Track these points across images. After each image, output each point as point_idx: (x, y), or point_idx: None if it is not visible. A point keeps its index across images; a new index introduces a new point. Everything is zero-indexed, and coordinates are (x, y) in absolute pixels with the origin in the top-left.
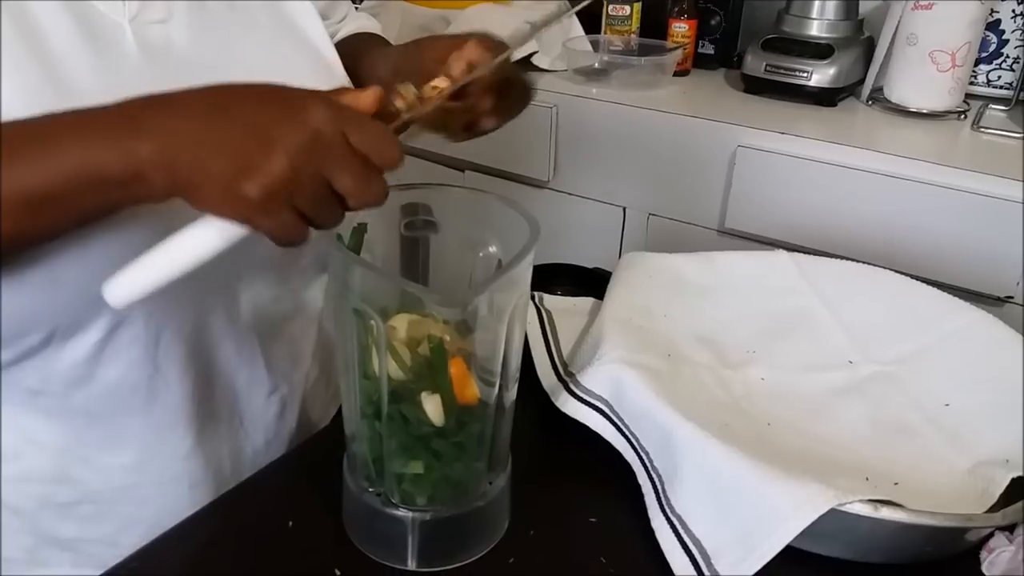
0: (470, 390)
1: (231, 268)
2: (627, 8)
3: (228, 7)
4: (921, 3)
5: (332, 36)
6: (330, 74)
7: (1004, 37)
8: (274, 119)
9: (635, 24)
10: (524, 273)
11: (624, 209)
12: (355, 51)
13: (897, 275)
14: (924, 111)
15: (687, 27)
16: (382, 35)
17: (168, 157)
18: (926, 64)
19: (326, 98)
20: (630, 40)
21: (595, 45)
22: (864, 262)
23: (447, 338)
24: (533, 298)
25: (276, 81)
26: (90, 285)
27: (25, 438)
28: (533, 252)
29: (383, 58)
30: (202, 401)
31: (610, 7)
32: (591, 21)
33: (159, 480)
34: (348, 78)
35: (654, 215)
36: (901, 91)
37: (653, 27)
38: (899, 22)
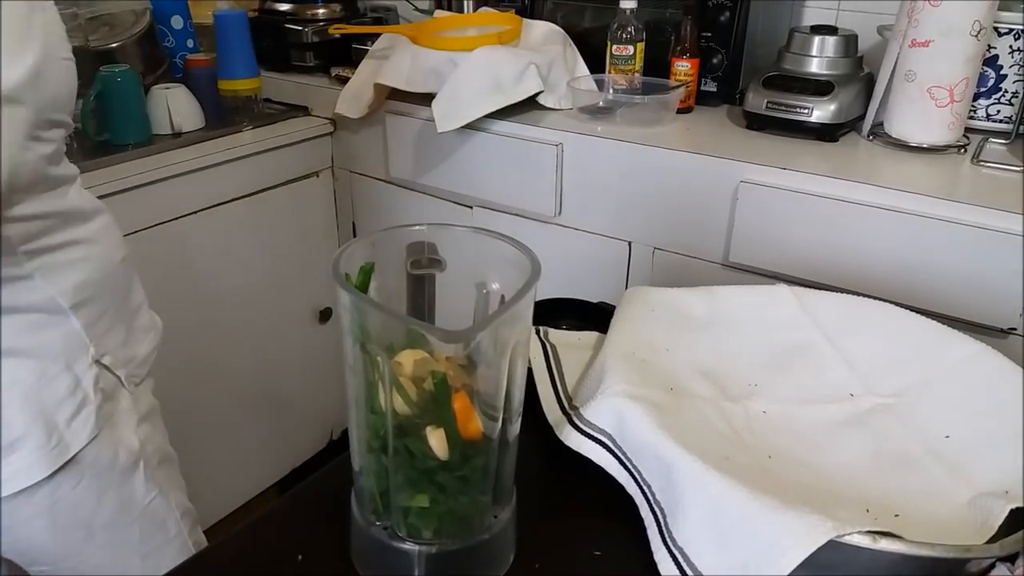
0: (474, 424)
1: None
2: (631, 48)
3: None
4: (918, 40)
5: None
6: None
7: (1002, 72)
8: None
9: (638, 63)
10: (526, 310)
11: (629, 244)
12: None
13: (897, 308)
14: (924, 146)
15: (690, 66)
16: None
17: None
18: (925, 100)
19: None
20: (634, 79)
21: (599, 84)
22: (865, 295)
23: (451, 373)
24: (538, 332)
25: None
26: None
27: None
28: (534, 289)
29: None
30: None
31: (614, 47)
32: (595, 60)
33: None
34: None
35: (659, 249)
36: (901, 126)
37: (656, 66)
38: (897, 59)
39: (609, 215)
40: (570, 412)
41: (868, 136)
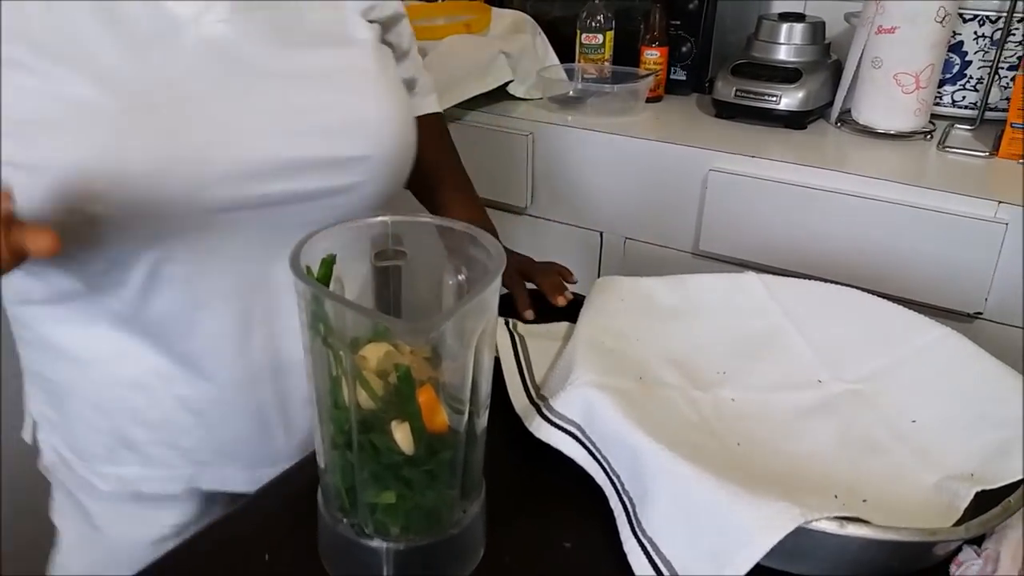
0: (439, 418)
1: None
2: (600, 37)
3: (285, 15)
4: (884, 27)
5: (396, 48)
6: (372, 79)
7: (967, 59)
8: None
9: (608, 52)
10: (491, 300)
11: (601, 234)
12: (436, 169)
13: (864, 293)
14: (891, 132)
15: (659, 54)
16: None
17: None
18: (891, 86)
19: None
20: (604, 68)
21: (569, 73)
22: (833, 281)
23: (416, 366)
24: (507, 323)
25: (327, 82)
26: (127, 224)
27: (112, 348)
28: (499, 280)
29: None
30: (240, 338)
31: (583, 36)
32: (565, 49)
33: (211, 398)
34: (391, 81)
35: (631, 239)
36: (868, 113)
37: (626, 55)
38: (864, 46)
39: (580, 205)
40: (538, 403)
41: (836, 123)
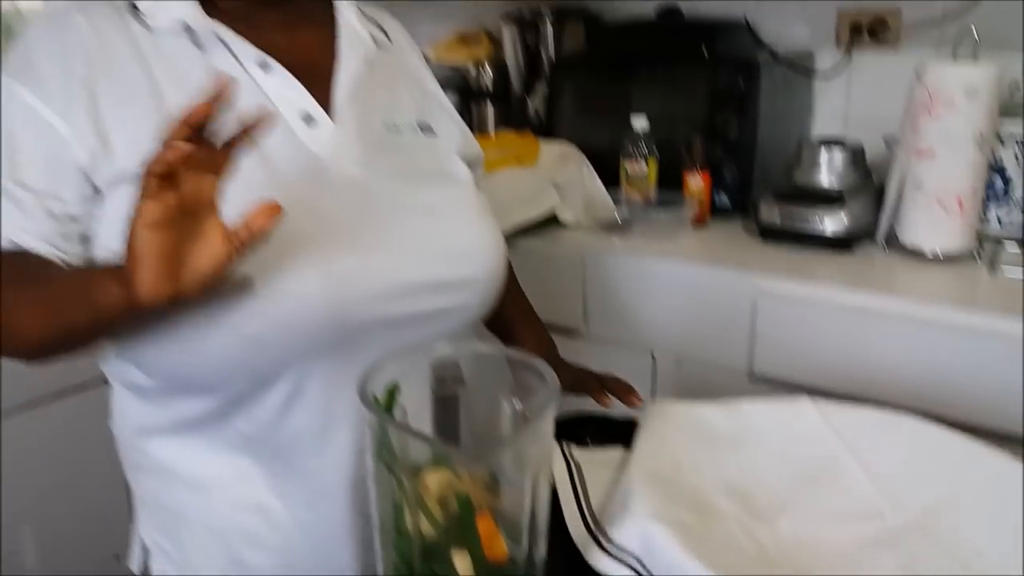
0: (499, 546)
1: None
2: (644, 165)
3: (403, 158)
4: (923, 151)
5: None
6: (474, 210)
7: (1008, 178)
8: None
9: (652, 179)
10: (547, 427)
11: (653, 355)
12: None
13: (921, 421)
14: (939, 254)
15: (702, 180)
16: None
17: None
18: (935, 208)
19: None
20: (649, 194)
21: (616, 200)
22: (889, 406)
23: (475, 494)
24: (563, 448)
25: (443, 213)
26: (281, 342)
27: (236, 472)
28: (553, 408)
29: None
30: (360, 457)
31: (628, 164)
32: (611, 177)
33: (331, 519)
34: (488, 212)
35: (684, 361)
36: (914, 235)
37: (670, 181)
38: (905, 169)
39: (633, 327)
40: (596, 533)
41: (883, 245)
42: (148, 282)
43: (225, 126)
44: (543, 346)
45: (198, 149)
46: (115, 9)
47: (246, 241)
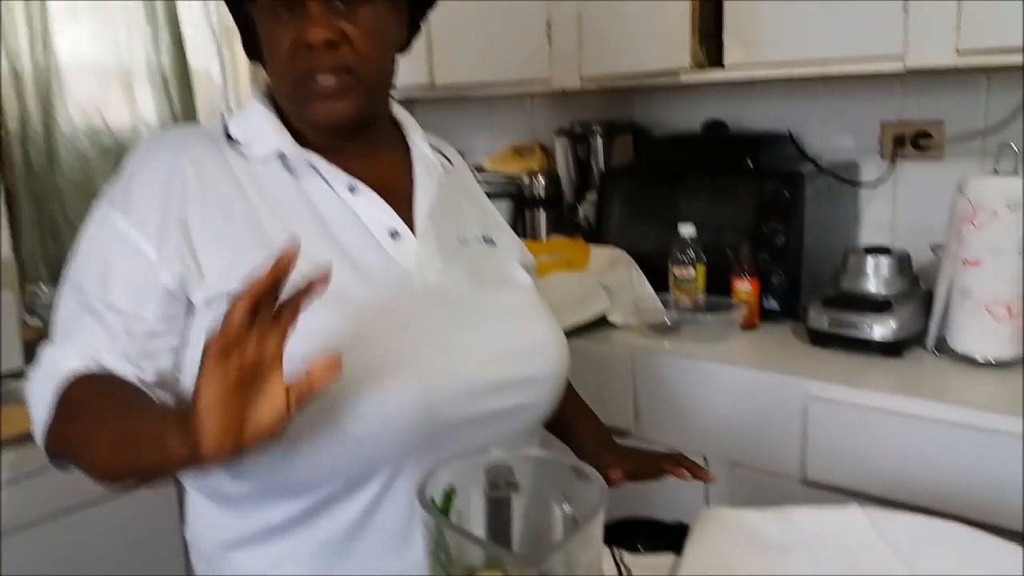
0: None
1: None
2: (692, 270)
3: (475, 266)
4: (968, 260)
5: None
6: (539, 312)
7: None
8: None
9: (700, 284)
10: (596, 531)
11: (705, 458)
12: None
13: (973, 530)
14: (991, 360)
15: (750, 285)
16: None
17: None
18: (983, 316)
19: None
20: (697, 297)
21: (665, 303)
22: (940, 513)
23: None
24: (613, 554)
25: (514, 316)
26: (380, 441)
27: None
28: (602, 513)
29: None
30: None
31: (676, 269)
32: (659, 280)
33: None
34: (551, 313)
35: (736, 465)
36: (964, 342)
37: (718, 285)
38: (951, 277)
39: (684, 429)
40: None
41: (933, 351)
42: (212, 440)
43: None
44: (601, 437)
45: (262, 315)
46: (214, 140)
47: (307, 396)
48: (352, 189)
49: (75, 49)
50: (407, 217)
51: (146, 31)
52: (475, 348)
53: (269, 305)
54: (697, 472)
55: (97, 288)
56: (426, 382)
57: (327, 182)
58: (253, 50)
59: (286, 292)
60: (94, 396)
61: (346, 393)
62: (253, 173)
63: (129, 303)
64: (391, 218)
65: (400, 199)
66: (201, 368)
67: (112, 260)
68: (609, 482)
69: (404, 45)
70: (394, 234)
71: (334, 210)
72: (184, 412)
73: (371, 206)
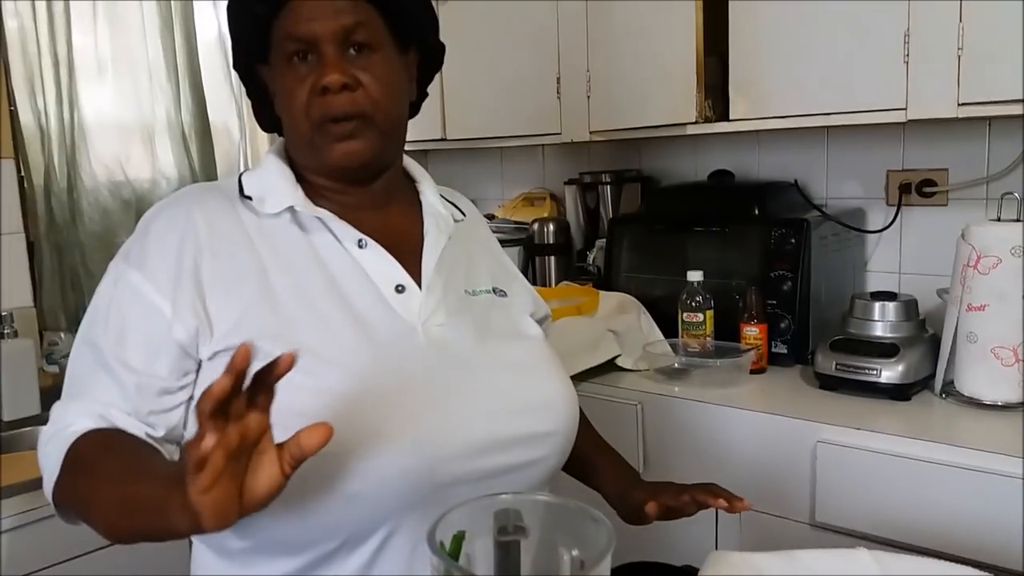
0: None
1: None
2: (700, 315)
3: (483, 318)
4: (974, 305)
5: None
6: (548, 365)
7: None
8: None
9: (709, 329)
10: (603, 575)
11: None
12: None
13: (977, 573)
14: (998, 404)
15: (758, 331)
16: None
17: None
18: (990, 360)
19: None
20: (706, 342)
21: (674, 347)
22: (948, 556)
23: None
24: None
25: (520, 369)
26: (378, 500)
27: None
28: (609, 558)
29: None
30: None
31: (684, 314)
32: (668, 325)
33: None
34: (560, 366)
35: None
36: (971, 385)
37: (726, 330)
38: (957, 322)
39: (693, 472)
40: None
41: (941, 394)
42: (211, 518)
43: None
44: (629, 474)
45: (235, 407)
46: (228, 197)
47: (299, 459)
48: (361, 244)
49: (99, 107)
50: (415, 270)
51: (168, 89)
52: (477, 405)
53: (238, 397)
54: (734, 502)
55: (112, 346)
56: (424, 442)
57: (336, 238)
58: (266, 120)
59: (263, 369)
60: (101, 453)
61: (344, 452)
62: (264, 229)
63: (143, 361)
64: (398, 272)
65: (409, 252)
66: (185, 464)
67: (127, 317)
68: (644, 519)
69: (414, 104)
70: (400, 288)
71: (342, 265)
72: (185, 479)
73: (379, 261)
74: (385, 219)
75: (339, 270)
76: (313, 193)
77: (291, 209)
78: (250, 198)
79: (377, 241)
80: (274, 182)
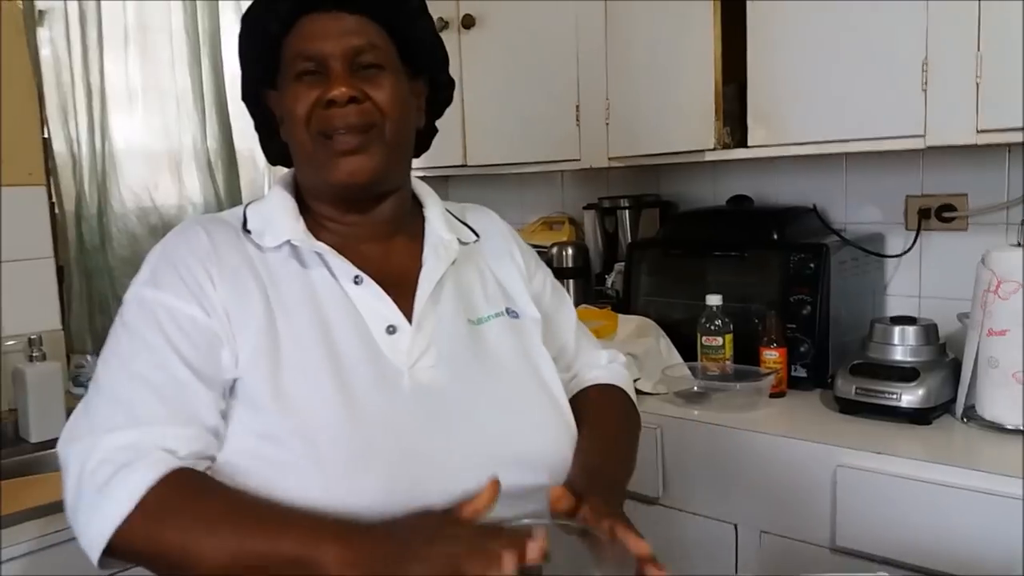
0: None
1: None
2: (720, 339)
3: (483, 350)
4: (995, 330)
5: (568, 370)
6: (558, 412)
7: None
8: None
9: (728, 352)
10: None
11: (735, 526)
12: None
13: None
14: (1020, 428)
15: (777, 354)
16: (620, 386)
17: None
18: (1011, 384)
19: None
20: (725, 366)
21: (693, 371)
22: None
23: None
24: None
25: (513, 413)
26: None
27: None
28: None
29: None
30: None
31: (704, 338)
32: (688, 349)
33: None
34: (572, 416)
35: (766, 532)
36: (992, 410)
37: (746, 354)
38: (978, 347)
39: (713, 496)
40: None
41: (962, 418)
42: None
43: None
44: (591, 476)
45: None
46: (233, 229)
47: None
48: (357, 280)
49: (129, 135)
50: (412, 306)
51: (195, 118)
52: (459, 457)
53: None
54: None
55: (155, 371)
56: (397, 493)
57: (333, 274)
58: (273, 151)
59: None
60: (194, 502)
61: (316, 502)
62: (267, 263)
63: (197, 359)
64: (391, 312)
65: (408, 287)
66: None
67: (173, 336)
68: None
69: (423, 137)
70: (391, 329)
71: (336, 305)
72: (342, 529)
73: (373, 299)
74: (387, 251)
75: (332, 310)
76: (315, 225)
77: (291, 244)
78: (250, 231)
79: (377, 276)
80: (276, 214)
